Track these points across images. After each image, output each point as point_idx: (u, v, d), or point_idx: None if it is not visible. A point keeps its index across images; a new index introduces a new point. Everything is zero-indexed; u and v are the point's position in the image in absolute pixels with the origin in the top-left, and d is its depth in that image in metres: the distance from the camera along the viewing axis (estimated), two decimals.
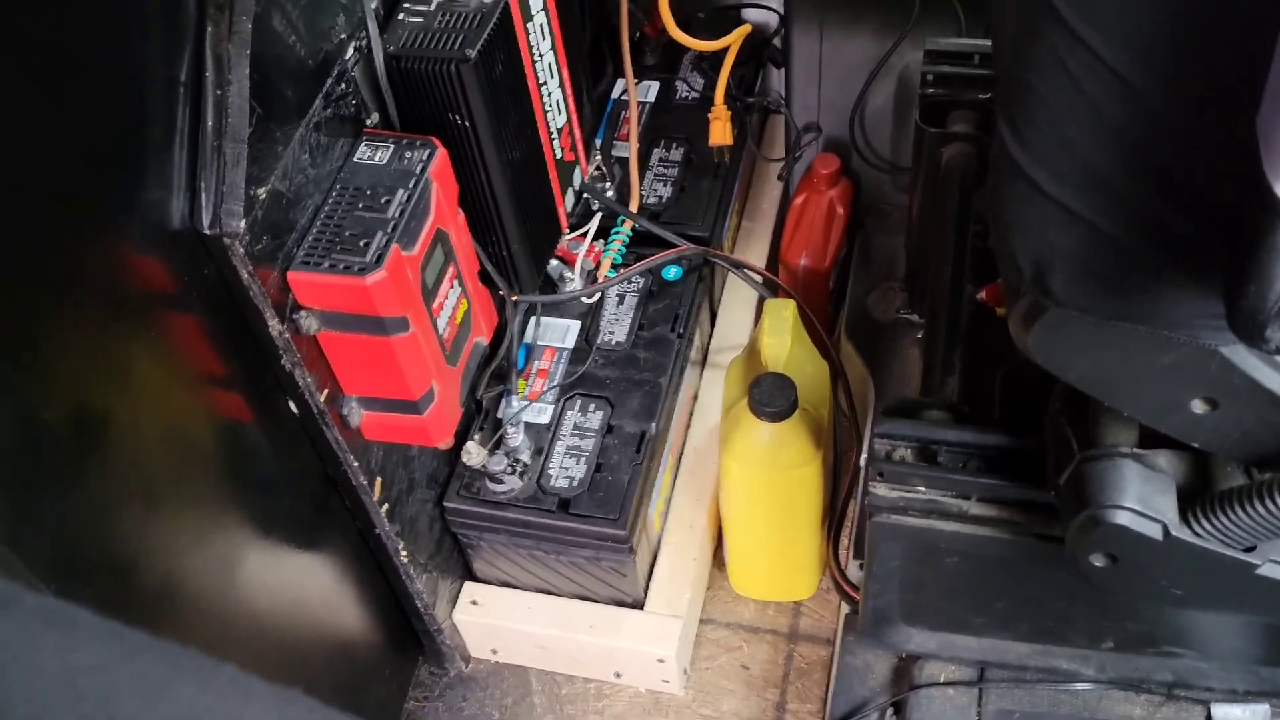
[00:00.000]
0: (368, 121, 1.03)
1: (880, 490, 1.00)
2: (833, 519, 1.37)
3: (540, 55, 1.12)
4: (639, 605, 1.33)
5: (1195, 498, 0.86)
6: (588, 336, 1.36)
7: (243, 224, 0.87)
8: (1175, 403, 0.79)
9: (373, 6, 1.00)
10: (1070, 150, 0.66)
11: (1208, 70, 0.60)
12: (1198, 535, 0.85)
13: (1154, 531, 0.84)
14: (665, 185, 1.49)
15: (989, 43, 1.26)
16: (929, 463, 1.00)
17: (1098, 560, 0.89)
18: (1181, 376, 0.77)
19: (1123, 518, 0.84)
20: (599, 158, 1.44)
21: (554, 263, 1.35)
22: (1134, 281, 0.71)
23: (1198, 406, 0.79)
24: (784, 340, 1.25)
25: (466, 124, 1.02)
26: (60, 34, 0.74)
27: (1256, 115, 0.57)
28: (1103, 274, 0.72)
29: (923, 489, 1.00)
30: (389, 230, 0.95)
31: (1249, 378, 0.75)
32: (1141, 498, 0.85)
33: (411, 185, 0.97)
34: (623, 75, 1.51)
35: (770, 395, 1.17)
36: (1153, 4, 0.58)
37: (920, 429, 1.01)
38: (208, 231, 0.87)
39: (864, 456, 1.37)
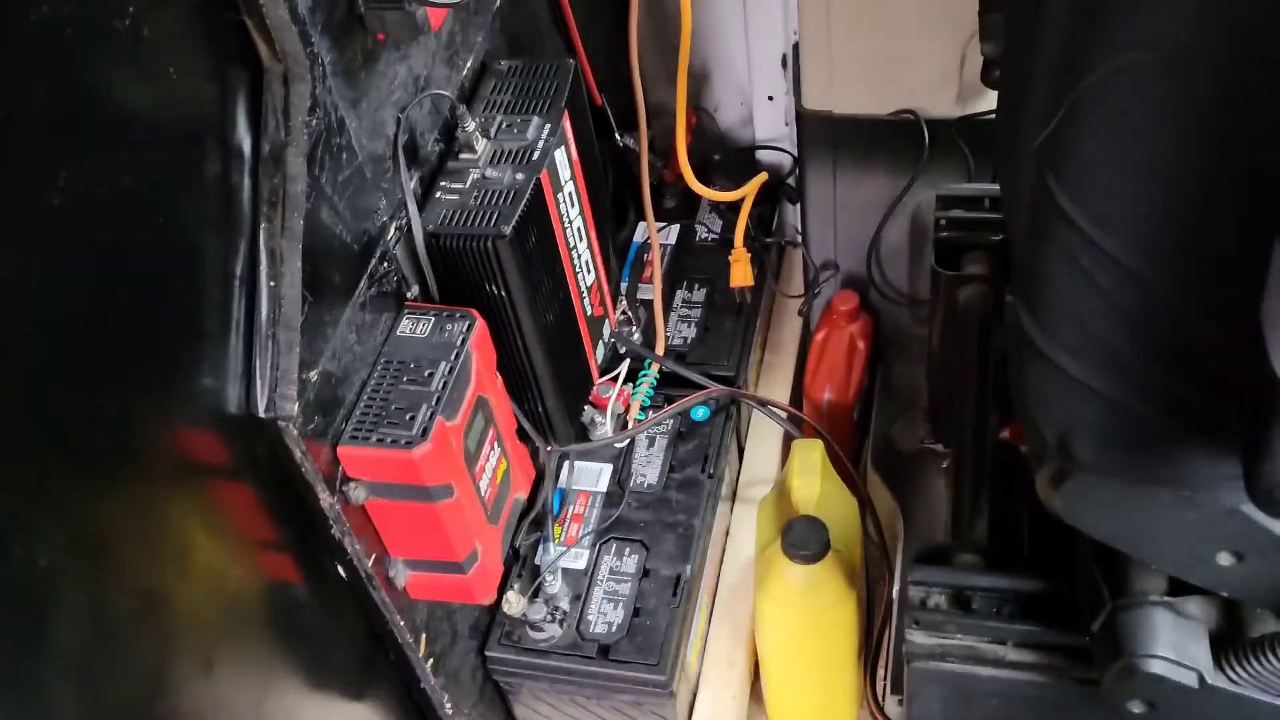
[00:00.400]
0: (408, 295, 1.08)
1: (917, 638, 1.02)
2: (868, 652, 1.38)
3: (570, 221, 1.17)
4: None
5: (1229, 644, 0.88)
6: (620, 480, 1.39)
7: (296, 407, 0.91)
8: (1202, 557, 0.82)
9: (411, 188, 1.05)
10: (1086, 333, 0.70)
11: (1214, 264, 0.64)
12: (1233, 682, 0.86)
13: (1189, 680, 0.86)
14: (689, 326, 1.54)
15: (998, 187, 1.31)
16: (963, 609, 1.02)
17: (1136, 707, 0.90)
18: (1207, 533, 0.79)
19: (1157, 667, 0.86)
20: (624, 302, 1.48)
21: (585, 408, 1.39)
22: (1155, 449, 0.74)
23: (1224, 559, 0.82)
24: (813, 481, 1.28)
25: (503, 294, 1.07)
26: (129, 233, 0.79)
27: (1262, 304, 0.60)
28: (1124, 442, 0.75)
29: (959, 635, 1.02)
30: (433, 403, 0.99)
31: (1272, 533, 0.78)
32: (1175, 646, 0.87)
33: (453, 357, 1.02)
34: (644, 220, 1.57)
35: (803, 539, 1.19)
36: (1157, 207, 0.62)
37: (953, 575, 1.04)
38: (263, 416, 0.91)
39: (896, 589, 1.39)
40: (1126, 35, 0.59)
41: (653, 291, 1.51)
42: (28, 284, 0.69)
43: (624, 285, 1.55)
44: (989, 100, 1.38)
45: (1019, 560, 1.11)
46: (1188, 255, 0.64)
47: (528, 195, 1.06)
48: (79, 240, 0.74)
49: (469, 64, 1.18)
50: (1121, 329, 0.68)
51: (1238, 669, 0.86)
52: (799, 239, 1.64)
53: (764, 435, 1.58)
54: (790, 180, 1.67)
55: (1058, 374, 0.73)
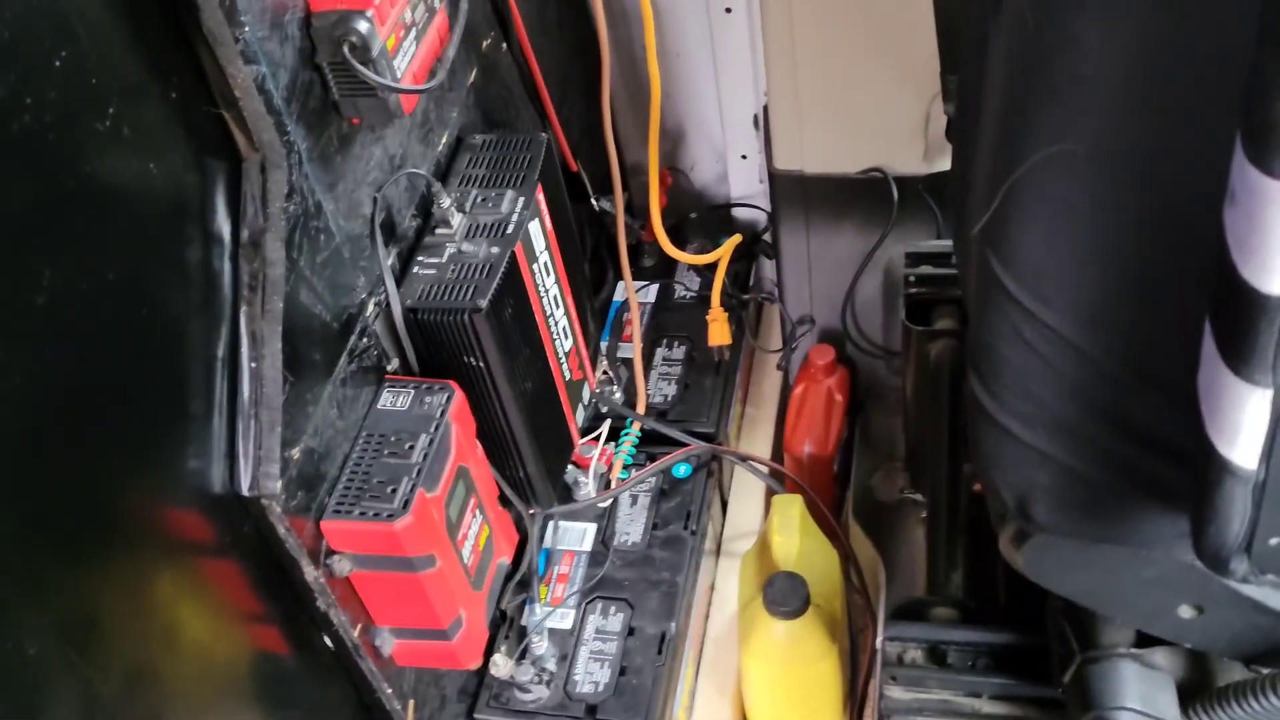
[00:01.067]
0: (388, 368, 1.10)
1: (894, 693, 1.04)
2: (854, 703, 1.40)
3: (545, 290, 1.20)
4: None
5: (1196, 694, 0.90)
6: (604, 539, 1.41)
7: (279, 484, 0.93)
8: (1164, 610, 0.84)
9: (389, 265, 1.08)
10: (1034, 401, 0.73)
11: (1149, 338, 0.66)
12: None
13: None
14: (670, 384, 1.56)
15: None
16: (939, 664, 1.04)
17: None
18: (1166, 588, 0.82)
19: (1126, 718, 0.88)
20: (605, 362, 1.51)
21: (568, 468, 1.41)
22: (1109, 510, 0.77)
23: (1185, 612, 0.84)
24: (793, 538, 1.30)
25: (481, 365, 1.09)
26: (113, 323, 0.81)
27: (1197, 377, 0.63)
28: (1079, 504, 0.77)
29: (936, 690, 1.04)
30: (413, 475, 1.01)
31: (1228, 587, 0.80)
32: (1143, 697, 0.89)
33: (432, 429, 1.04)
34: (623, 279, 1.60)
35: (783, 595, 1.22)
36: (1094, 286, 0.65)
37: (929, 630, 1.06)
38: (247, 494, 0.93)
39: (880, 640, 1.41)
40: (1055, 126, 0.62)
41: (633, 350, 1.54)
42: (11, 376, 0.72)
43: (604, 344, 1.58)
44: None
45: (995, 612, 1.13)
46: (1125, 330, 0.66)
47: (503, 268, 1.09)
48: (63, 333, 0.76)
49: (444, 139, 1.21)
50: (1067, 397, 0.71)
51: (1205, 718, 0.88)
52: (776, 294, 1.67)
53: (747, 488, 1.61)
54: (766, 236, 1.71)
55: (1011, 440, 0.76)
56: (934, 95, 1.37)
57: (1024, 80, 0.63)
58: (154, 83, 0.84)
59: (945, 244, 1.35)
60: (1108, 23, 0.55)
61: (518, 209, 1.14)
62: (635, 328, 1.55)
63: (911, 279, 1.33)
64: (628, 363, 1.55)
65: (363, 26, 0.93)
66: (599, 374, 1.47)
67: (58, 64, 0.75)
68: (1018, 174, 0.62)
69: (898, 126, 1.44)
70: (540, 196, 1.18)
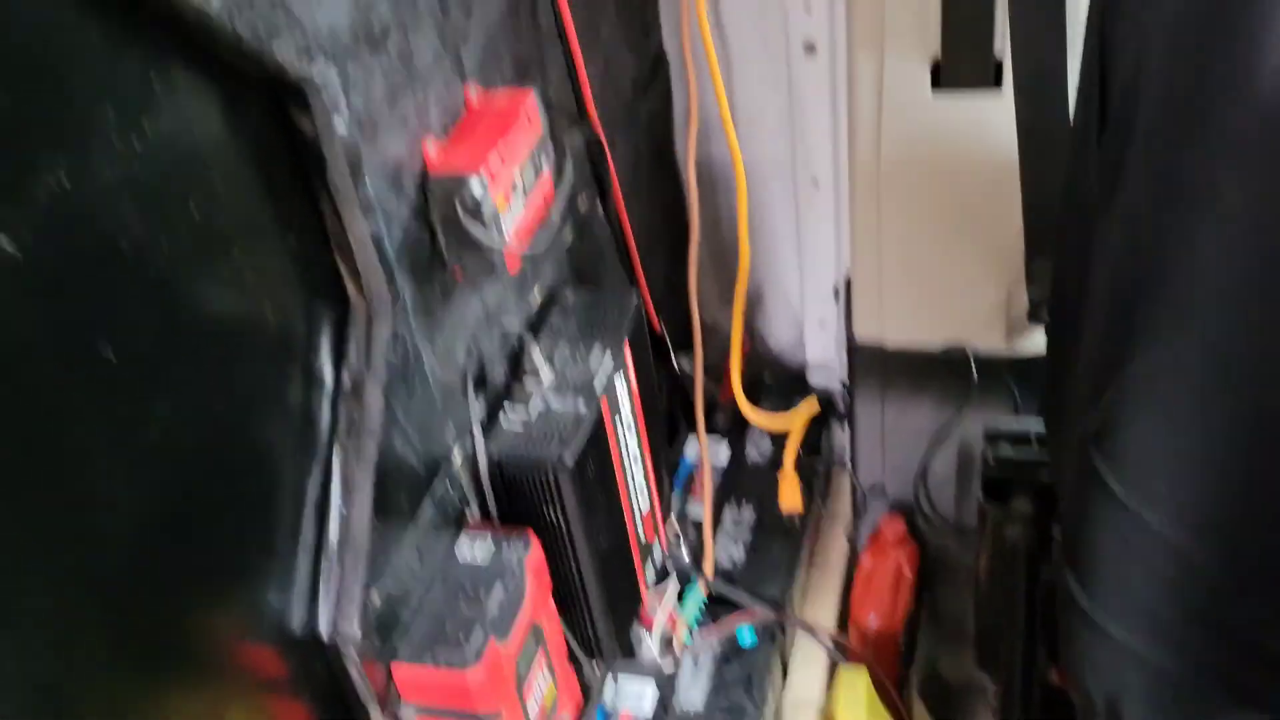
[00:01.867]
0: (468, 515, 1.11)
1: None
2: None
3: (627, 448, 1.21)
4: None
5: None
6: (664, 701, 1.39)
7: (357, 629, 0.93)
8: None
9: (478, 415, 1.10)
10: (1135, 604, 0.72)
11: (1255, 545, 0.66)
12: None
13: None
14: (737, 546, 1.56)
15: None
16: None
17: None
18: None
19: None
20: (673, 519, 1.51)
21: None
22: (1202, 714, 0.75)
23: None
24: (859, 713, 1.27)
25: (560, 520, 1.10)
26: (214, 456, 0.83)
27: None
28: (1173, 709, 0.75)
29: None
30: (487, 625, 1.01)
31: None
32: None
33: (508, 579, 1.04)
34: (696, 437, 1.60)
35: None
36: (1203, 490, 0.65)
37: None
38: (325, 636, 0.93)
39: None
40: (1168, 326, 0.63)
41: (702, 511, 1.53)
42: (118, 505, 0.73)
43: (674, 501, 1.58)
44: (1037, 339, 1.43)
45: None
46: (1230, 536, 0.66)
47: (589, 424, 1.10)
48: (169, 465, 0.78)
49: (537, 295, 1.24)
50: (1168, 600, 0.70)
51: None
52: (848, 462, 1.67)
53: (809, 656, 1.57)
54: (840, 404, 1.71)
55: (1106, 640, 0.74)
56: (1018, 276, 1.39)
57: (1137, 278, 0.64)
58: (276, 229, 0.88)
59: (1025, 425, 1.35)
60: (1230, 233, 0.57)
61: (605, 365, 1.16)
62: (706, 488, 1.55)
63: (989, 458, 1.32)
64: (696, 524, 1.55)
65: (477, 189, 0.97)
66: (670, 535, 1.47)
67: (192, 207, 0.78)
68: (1127, 372, 0.62)
69: (980, 304, 1.46)
70: (627, 353, 1.20)
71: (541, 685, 1.09)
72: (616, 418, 1.18)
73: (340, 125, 0.87)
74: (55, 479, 0.69)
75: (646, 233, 1.55)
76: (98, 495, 0.72)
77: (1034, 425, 1.35)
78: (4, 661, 0.67)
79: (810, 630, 1.50)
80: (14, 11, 0.63)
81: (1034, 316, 1.38)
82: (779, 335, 1.80)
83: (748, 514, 1.60)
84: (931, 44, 1.29)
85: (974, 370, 1.46)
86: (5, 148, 0.63)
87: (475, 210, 0.97)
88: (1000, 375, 1.47)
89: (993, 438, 1.34)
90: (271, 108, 0.86)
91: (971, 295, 1.46)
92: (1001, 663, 1.26)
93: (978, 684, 1.48)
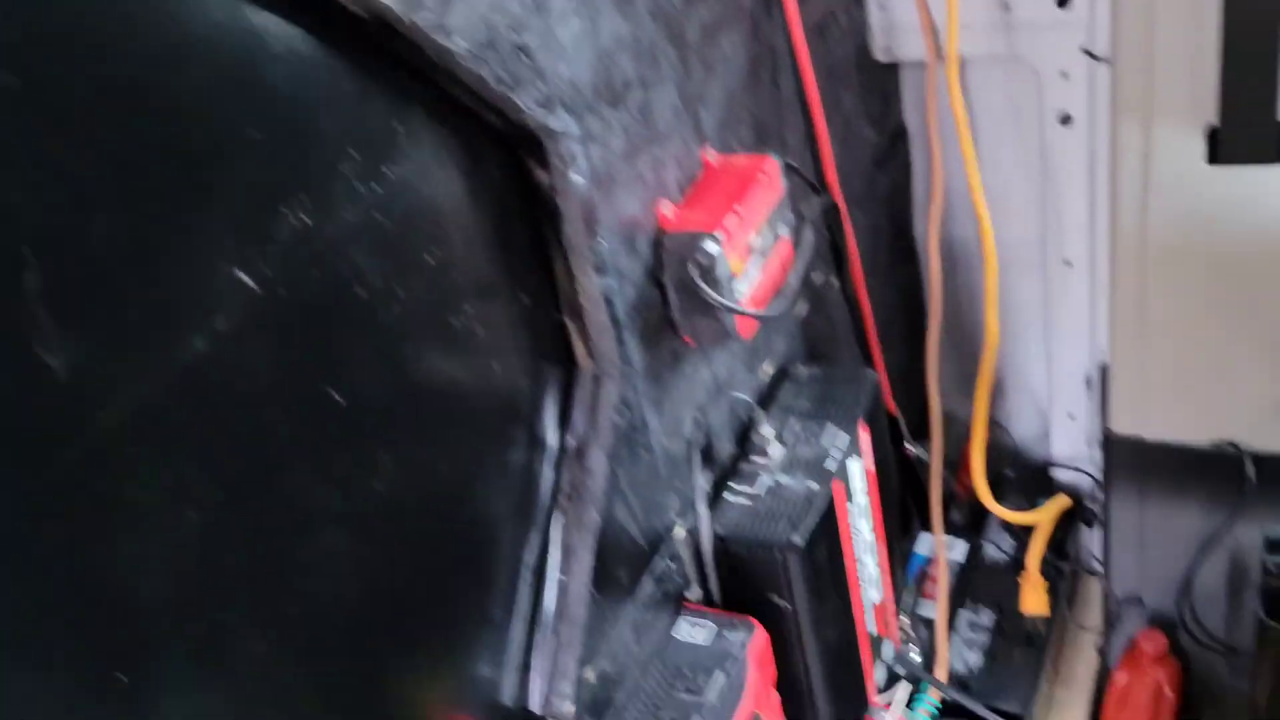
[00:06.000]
0: (689, 595, 1.06)
1: None
2: None
3: (859, 534, 1.13)
4: None
5: None
6: None
7: (570, 707, 0.88)
8: None
9: (704, 489, 1.05)
10: None
11: None
12: None
13: None
14: (974, 651, 1.44)
15: None
16: None
17: None
18: None
19: None
20: (905, 621, 1.41)
21: None
22: None
23: None
24: None
25: (788, 606, 1.03)
26: (436, 516, 0.80)
27: None
28: None
29: None
30: (705, 714, 0.94)
31: None
32: None
33: (729, 667, 0.97)
34: (931, 532, 1.50)
35: None
36: None
37: None
38: (538, 712, 0.88)
39: None
40: None
41: (936, 610, 1.43)
42: (344, 559, 0.71)
43: (905, 598, 1.47)
44: None
45: None
46: None
47: (821, 505, 1.03)
48: (389, 520, 0.76)
49: (769, 368, 1.18)
50: None
51: None
52: (1098, 567, 1.53)
53: None
54: (1091, 504, 1.58)
55: None
56: None
57: None
58: (509, 286, 0.86)
59: None
60: None
61: (839, 445, 1.09)
62: (942, 586, 1.44)
63: (1272, 568, 1.17)
64: (928, 623, 1.44)
65: (712, 248, 0.93)
66: (900, 631, 1.37)
67: (427, 256, 0.77)
68: None
69: (1256, 397, 1.31)
70: (863, 434, 1.13)
71: None
72: (849, 502, 1.10)
73: (577, 179, 0.85)
74: (278, 525, 0.67)
75: (883, 313, 1.48)
76: (318, 545, 0.70)
77: None
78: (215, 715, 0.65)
79: None
80: (268, 51, 0.63)
81: None
82: (1022, 427, 1.68)
83: (985, 617, 1.48)
84: (1207, 112, 1.18)
85: (1250, 470, 1.31)
86: (253, 186, 0.63)
87: (709, 270, 0.93)
88: None
89: (1276, 545, 1.19)
90: (510, 159, 0.84)
91: (1247, 386, 1.32)
92: None
93: None
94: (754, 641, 1.00)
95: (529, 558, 0.90)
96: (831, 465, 1.07)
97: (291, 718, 0.70)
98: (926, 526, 1.53)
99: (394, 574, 0.78)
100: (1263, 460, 1.32)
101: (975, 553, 1.56)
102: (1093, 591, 1.59)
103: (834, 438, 1.10)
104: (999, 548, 1.55)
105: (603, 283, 0.89)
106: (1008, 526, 1.57)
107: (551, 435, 0.92)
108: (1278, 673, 1.15)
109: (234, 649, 0.64)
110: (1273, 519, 1.27)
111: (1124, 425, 1.40)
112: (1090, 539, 1.61)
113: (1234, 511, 1.34)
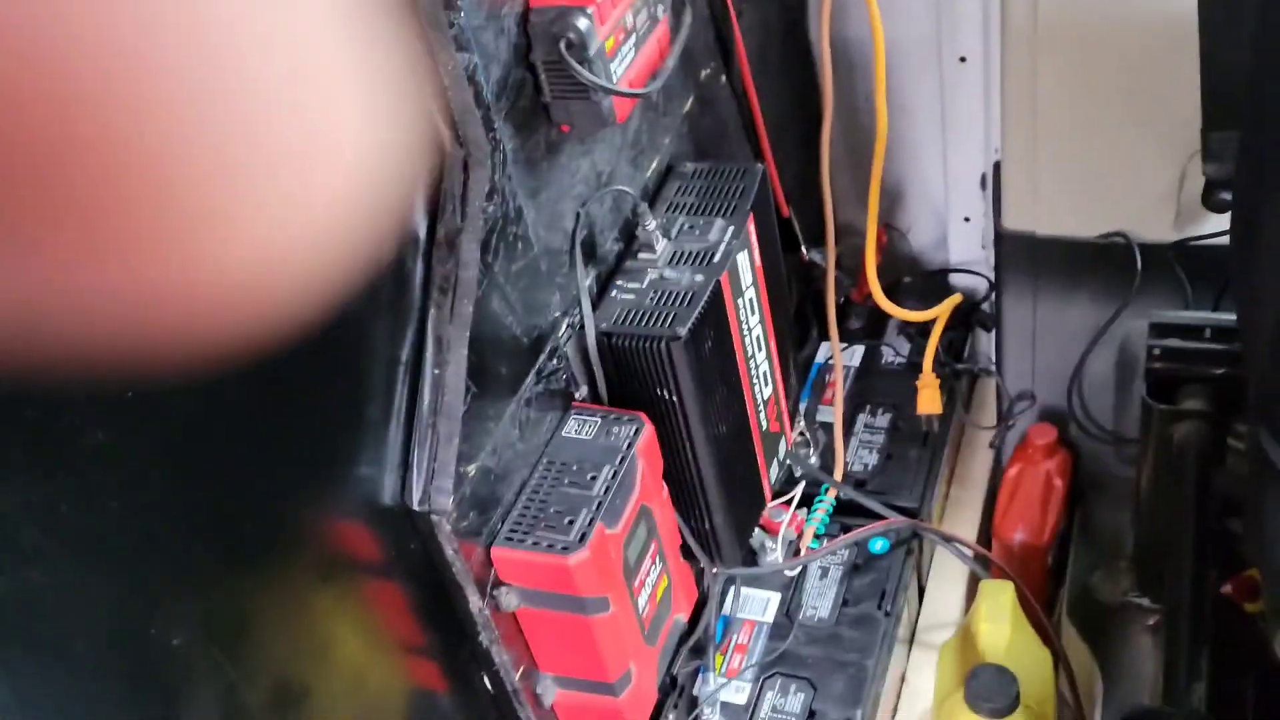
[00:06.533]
0: (576, 395, 1.04)
1: None
2: None
3: (749, 329, 1.11)
4: None
5: None
6: (789, 611, 1.30)
7: (451, 501, 0.87)
8: None
9: (587, 285, 1.02)
10: None
11: None
12: None
13: None
14: (871, 453, 1.45)
15: (1222, 316, 1.20)
16: None
17: None
18: None
19: None
20: (802, 424, 1.41)
21: (754, 532, 1.31)
22: None
23: None
24: (1003, 627, 1.17)
25: (674, 399, 1.01)
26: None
27: None
28: None
29: None
30: (593, 508, 0.93)
31: None
32: None
33: (617, 461, 0.96)
34: (828, 339, 1.50)
35: (989, 690, 1.08)
36: None
37: None
38: (417, 508, 0.87)
39: None
40: None
41: (833, 414, 1.43)
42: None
43: (803, 405, 1.48)
44: (1211, 224, 1.28)
45: None
46: None
47: (706, 298, 1.01)
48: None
49: (653, 165, 1.15)
50: None
51: None
52: (992, 368, 1.54)
53: (947, 575, 1.46)
54: (985, 305, 1.58)
55: None
56: (1192, 154, 1.24)
57: None
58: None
59: (1197, 315, 1.21)
60: None
61: (726, 238, 1.07)
62: (838, 390, 1.45)
63: (1156, 351, 1.19)
64: (827, 427, 1.44)
65: (582, 23, 0.88)
66: (796, 434, 1.38)
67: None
68: None
69: (1147, 188, 1.31)
70: (751, 228, 1.10)
71: (653, 577, 1.02)
72: (738, 296, 1.08)
73: None
74: None
75: (776, 116, 1.44)
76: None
77: (1207, 317, 1.21)
78: (84, 538, 0.62)
79: (949, 541, 1.39)
80: None
81: (1209, 199, 1.23)
82: (920, 233, 1.67)
83: (882, 420, 1.49)
84: None
85: (1138, 260, 1.32)
86: None
87: (581, 48, 0.88)
88: (1167, 266, 1.33)
89: (1160, 330, 1.20)
90: None
91: (1137, 177, 1.32)
92: (1167, 580, 1.14)
93: (1134, 606, 1.35)
94: (642, 436, 0.99)
95: (403, 354, 0.87)
96: (718, 258, 1.05)
97: (157, 540, 0.67)
98: (825, 336, 1.53)
99: (254, 370, 0.74)
100: (1150, 249, 1.32)
101: (872, 358, 1.56)
102: (988, 393, 1.61)
103: (721, 231, 1.08)
104: (896, 352, 1.56)
105: (465, 59, 0.84)
106: (905, 332, 1.57)
107: (420, 226, 0.88)
108: (1159, 452, 1.17)
109: (70, 435, 0.61)
110: (1157, 306, 1.28)
111: (1016, 222, 1.40)
112: (986, 343, 1.62)
113: (1123, 303, 1.35)
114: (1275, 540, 0.66)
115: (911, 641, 1.41)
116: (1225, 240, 1.24)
